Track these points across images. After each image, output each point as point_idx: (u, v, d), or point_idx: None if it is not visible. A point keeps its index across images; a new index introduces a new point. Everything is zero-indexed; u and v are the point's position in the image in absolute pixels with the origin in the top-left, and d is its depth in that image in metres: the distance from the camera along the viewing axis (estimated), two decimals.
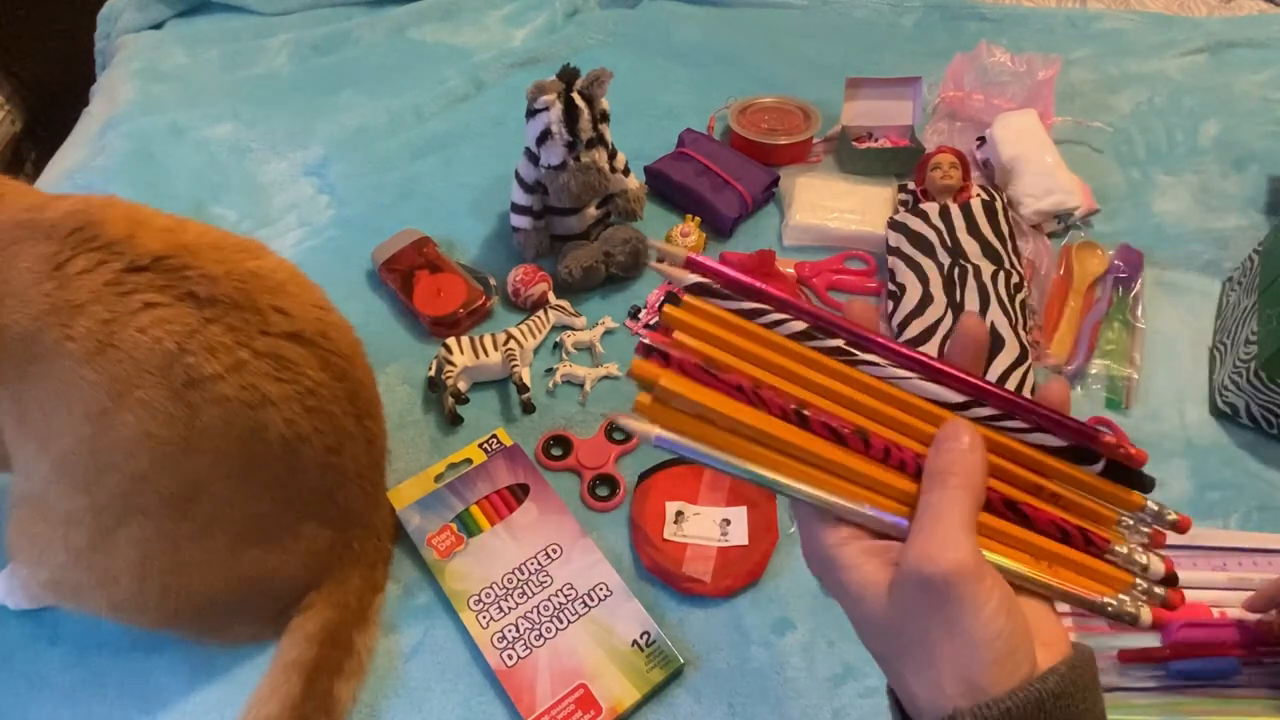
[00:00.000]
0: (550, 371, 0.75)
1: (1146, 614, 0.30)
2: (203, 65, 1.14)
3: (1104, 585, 0.31)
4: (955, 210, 0.81)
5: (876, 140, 0.97)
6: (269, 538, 0.55)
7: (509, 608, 0.59)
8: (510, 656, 0.57)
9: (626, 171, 0.83)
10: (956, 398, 0.31)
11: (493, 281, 0.81)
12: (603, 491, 0.67)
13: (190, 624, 0.57)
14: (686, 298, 0.31)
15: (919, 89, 0.95)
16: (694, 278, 0.32)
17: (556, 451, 0.70)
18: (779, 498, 0.66)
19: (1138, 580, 0.31)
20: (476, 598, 0.60)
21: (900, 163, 0.93)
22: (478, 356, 0.74)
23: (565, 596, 0.60)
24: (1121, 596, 0.30)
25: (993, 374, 0.70)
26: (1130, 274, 0.82)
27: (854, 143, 0.95)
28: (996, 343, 0.71)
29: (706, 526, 0.63)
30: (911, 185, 0.87)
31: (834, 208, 0.88)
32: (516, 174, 0.81)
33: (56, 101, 1.30)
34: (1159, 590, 0.31)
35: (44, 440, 0.51)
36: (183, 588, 0.53)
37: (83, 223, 0.49)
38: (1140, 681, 0.57)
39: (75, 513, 0.51)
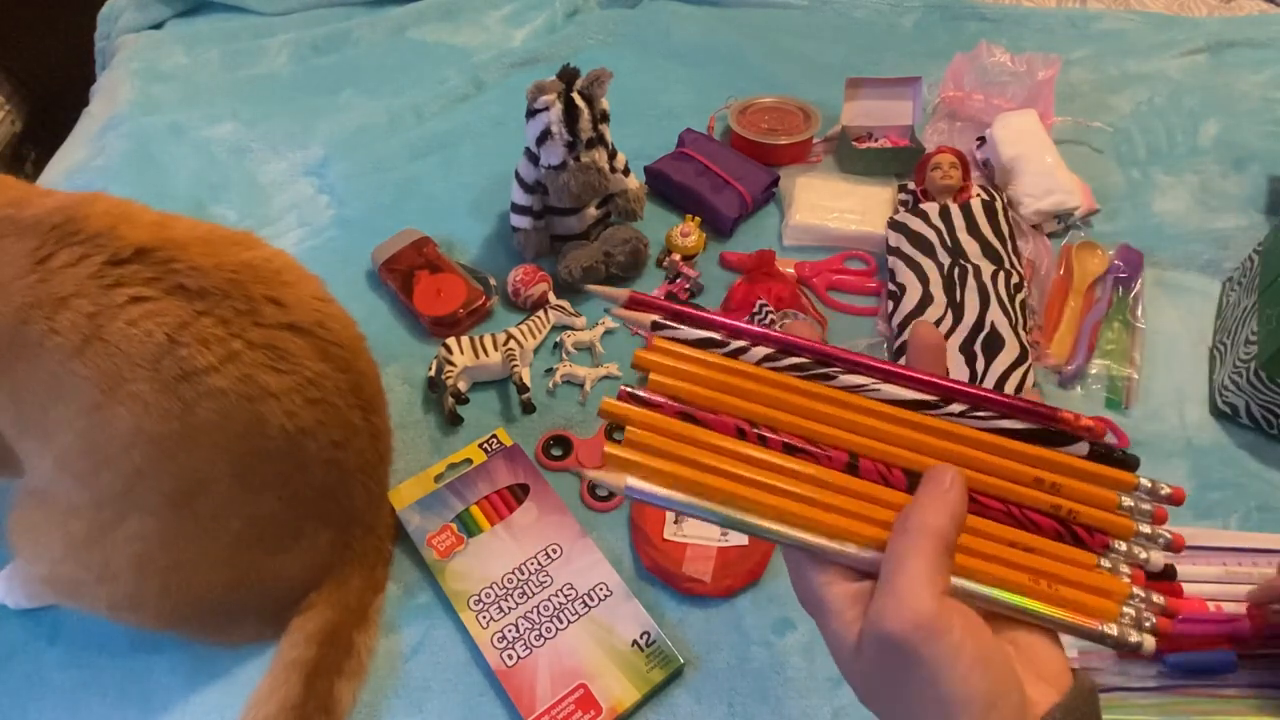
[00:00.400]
0: (550, 371, 0.75)
1: (1150, 642, 0.30)
2: (203, 65, 1.14)
3: (1106, 600, 0.30)
4: (955, 210, 0.81)
5: (876, 140, 0.97)
6: (271, 537, 0.55)
7: (509, 608, 0.59)
8: (510, 656, 0.57)
9: (626, 171, 0.83)
10: (928, 397, 0.31)
11: (493, 281, 0.81)
12: (603, 492, 0.67)
13: (190, 623, 0.56)
14: (656, 340, 0.32)
15: (919, 89, 0.95)
16: (652, 318, 0.32)
17: (556, 451, 0.70)
18: None
19: (1134, 592, 0.30)
20: (476, 598, 0.60)
21: (900, 163, 0.93)
22: (478, 356, 0.74)
23: (565, 596, 0.60)
24: (1124, 611, 0.30)
25: (993, 374, 0.70)
26: (1130, 274, 0.82)
27: (854, 143, 0.95)
28: (996, 343, 0.71)
29: (706, 527, 0.63)
30: (911, 185, 0.87)
31: (834, 208, 0.89)
32: (516, 174, 0.81)
33: (56, 101, 1.30)
34: (1157, 598, 0.30)
35: (44, 435, 0.51)
36: (182, 586, 0.53)
37: (65, 218, 0.49)
38: (1140, 681, 0.57)
39: (76, 507, 0.51)
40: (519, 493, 0.65)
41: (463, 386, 0.73)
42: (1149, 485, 0.31)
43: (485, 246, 0.88)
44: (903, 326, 0.76)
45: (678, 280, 0.83)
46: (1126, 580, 0.30)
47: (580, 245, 0.83)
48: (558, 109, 0.74)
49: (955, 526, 0.28)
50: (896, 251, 0.81)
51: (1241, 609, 0.59)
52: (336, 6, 1.24)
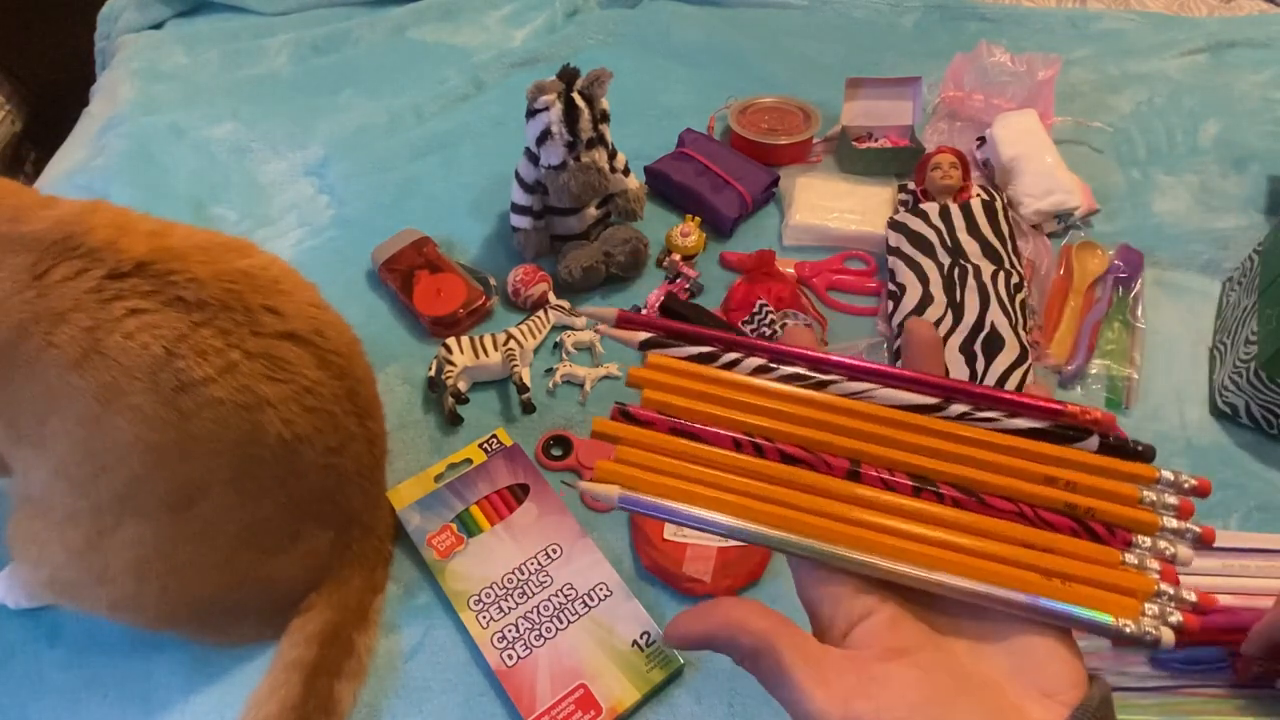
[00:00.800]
0: (550, 371, 0.75)
1: (1169, 635, 0.28)
2: (203, 65, 1.14)
3: (1126, 600, 0.28)
4: (955, 210, 0.81)
5: (876, 140, 0.97)
6: (269, 540, 0.55)
7: (509, 608, 0.59)
8: (510, 656, 0.57)
9: (626, 171, 0.83)
10: (930, 400, 0.30)
11: (493, 281, 0.81)
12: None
13: (190, 624, 0.57)
14: (650, 356, 0.32)
15: (919, 89, 0.95)
16: (644, 336, 0.32)
17: (556, 451, 0.70)
18: None
19: (1160, 587, 0.29)
20: (476, 598, 0.60)
21: (900, 163, 0.93)
22: (478, 356, 0.74)
23: (565, 596, 0.60)
24: (1148, 608, 0.28)
25: (993, 374, 0.70)
26: (1130, 274, 0.82)
27: (854, 143, 0.95)
28: (996, 343, 0.71)
29: None
30: (911, 185, 0.87)
31: (834, 208, 0.89)
32: (516, 174, 0.81)
33: (56, 101, 1.30)
34: (1187, 594, 0.29)
35: (40, 444, 0.51)
36: (182, 589, 0.53)
37: (65, 233, 0.49)
38: (1140, 681, 0.57)
39: (74, 514, 0.51)
40: (519, 493, 0.65)
41: (463, 386, 0.73)
42: (1171, 478, 0.30)
43: (485, 246, 0.88)
44: (903, 327, 0.76)
45: (678, 280, 0.83)
46: (1154, 577, 0.29)
47: (580, 245, 0.83)
48: (558, 109, 0.74)
49: (771, 618, 0.28)
50: (896, 251, 0.81)
51: (1238, 602, 0.59)
52: (336, 6, 1.24)
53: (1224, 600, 0.60)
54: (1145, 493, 0.30)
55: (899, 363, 0.33)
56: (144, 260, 0.49)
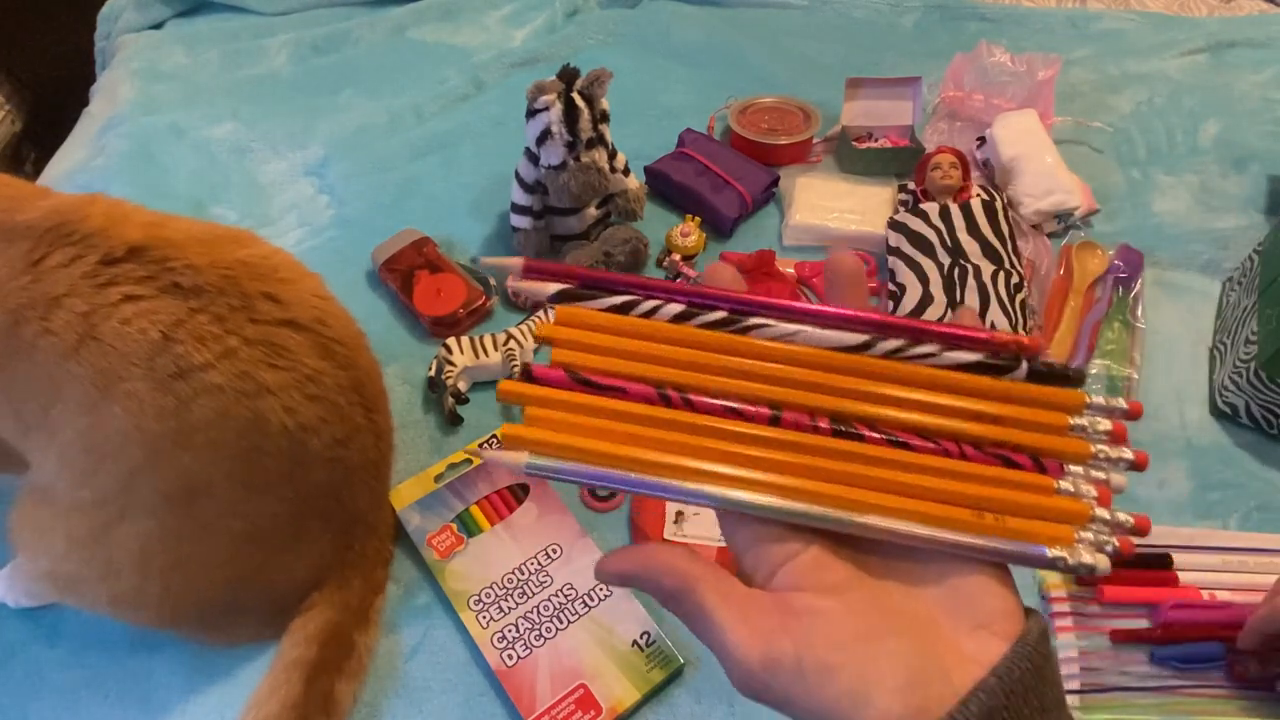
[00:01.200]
0: None
1: (1104, 562, 0.27)
2: (203, 65, 1.14)
3: (1061, 528, 0.27)
4: (955, 210, 0.81)
5: (876, 140, 0.97)
6: (273, 537, 0.54)
7: (509, 608, 0.59)
8: (510, 656, 0.57)
9: (626, 171, 0.83)
10: (857, 338, 0.29)
11: (493, 281, 0.81)
12: (603, 492, 0.67)
13: (191, 622, 0.56)
14: (559, 309, 0.30)
15: (919, 89, 0.95)
16: (556, 288, 0.30)
17: None
18: None
19: (1096, 512, 0.28)
20: (476, 598, 0.60)
21: (900, 163, 0.93)
22: (478, 356, 0.74)
23: (565, 596, 0.60)
24: (1082, 535, 0.27)
25: None
26: (1130, 274, 0.82)
27: (854, 143, 0.95)
28: None
29: (706, 527, 0.63)
30: (911, 185, 0.87)
31: (834, 208, 0.89)
32: (516, 174, 0.81)
33: (56, 101, 1.30)
34: (1123, 518, 0.28)
35: (48, 433, 0.51)
36: (184, 585, 0.53)
37: (60, 220, 0.49)
38: (1140, 681, 0.57)
39: (78, 504, 0.51)
40: (519, 493, 0.65)
41: (463, 386, 0.73)
42: (1102, 402, 0.29)
43: (485, 246, 0.88)
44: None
45: (678, 280, 0.83)
46: (1088, 502, 0.28)
47: (580, 245, 0.83)
48: (558, 109, 0.74)
49: (696, 562, 0.28)
50: (896, 251, 0.81)
51: (1236, 598, 0.60)
52: (336, 6, 1.24)
53: (1223, 598, 0.60)
54: (1075, 420, 0.29)
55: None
56: (138, 245, 0.49)
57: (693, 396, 0.29)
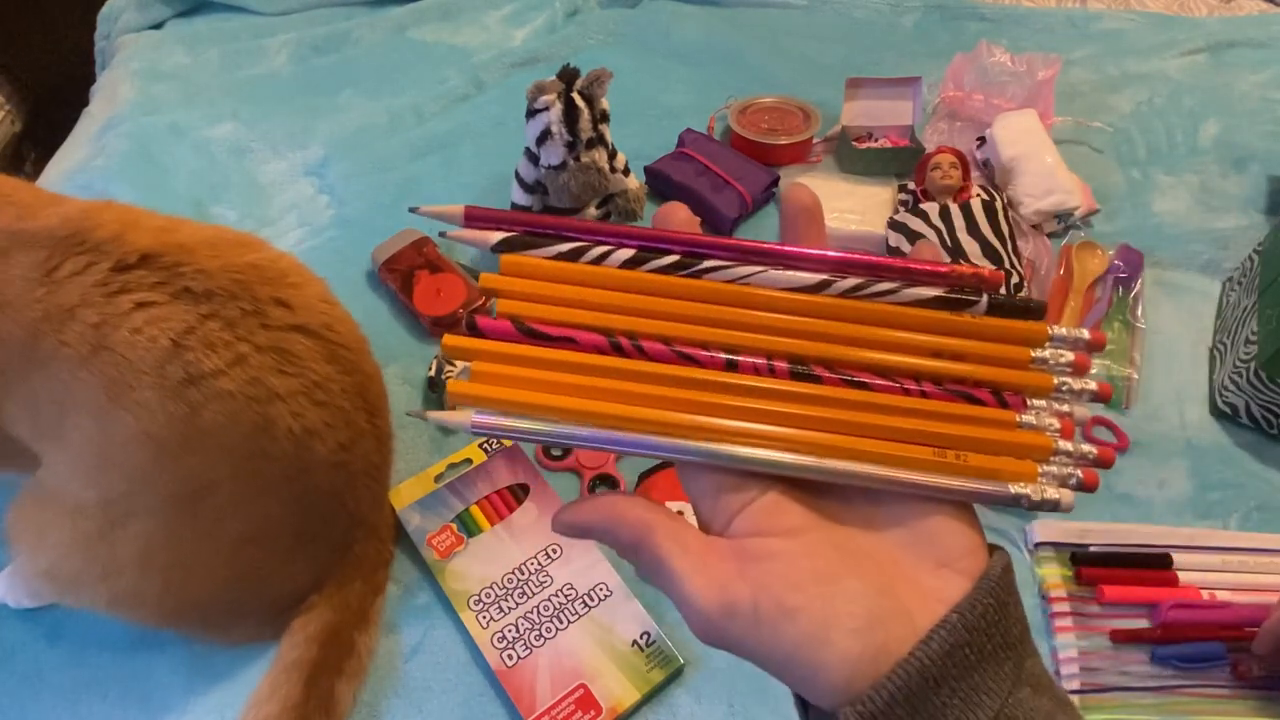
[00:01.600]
0: None
1: (1068, 497, 0.27)
2: (203, 65, 1.14)
3: (1023, 463, 0.27)
4: (955, 210, 0.81)
5: (876, 140, 0.97)
6: (274, 538, 0.55)
7: (509, 608, 0.59)
8: (510, 656, 0.57)
9: (626, 171, 0.83)
10: (814, 278, 0.28)
11: None
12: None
13: (190, 621, 0.57)
14: (503, 258, 0.28)
15: (919, 89, 0.95)
16: (499, 236, 0.28)
17: (556, 452, 0.70)
18: None
19: (1059, 444, 0.27)
20: (476, 598, 0.60)
21: (900, 163, 0.93)
22: None
23: (565, 596, 0.60)
24: (1046, 469, 0.27)
25: None
26: (1130, 274, 0.82)
27: (854, 143, 0.95)
28: None
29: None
30: (911, 185, 0.87)
31: (834, 208, 0.89)
32: (516, 174, 0.81)
33: (56, 101, 1.30)
34: (1088, 449, 0.27)
35: (59, 438, 0.51)
36: (183, 584, 0.53)
37: (73, 229, 0.49)
38: (1140, 681, 0.57)
39: (83, 506, 0.52)
40: (519, 493, 0.65)
41: None
42: (1064, 333, 0.28)
43: (481, 250, 0.88)
44: None
45: None
46: (1051, 435, 0.27)
47: None
48: (558, 109, 0.74)
49: (652, 511, 0.27)
50: (896, 252, 0.81)
51: (1236, 598, 0.60)
52: (336, 6, 1.24)
53: (1223, 598, 0.60)
54: (1038, 353, 0.28)
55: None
56: (150, 252, 0.49)
57: (645, 344, 0.27)
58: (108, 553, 0.52)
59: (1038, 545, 0.63)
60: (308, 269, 0.57)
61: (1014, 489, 0.26)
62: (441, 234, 0.29)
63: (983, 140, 0.94)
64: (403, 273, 0.81)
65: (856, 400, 0.27)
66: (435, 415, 0.27)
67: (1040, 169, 0.87)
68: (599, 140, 0.77)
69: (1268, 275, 0.74)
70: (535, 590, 0.60)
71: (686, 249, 0.29)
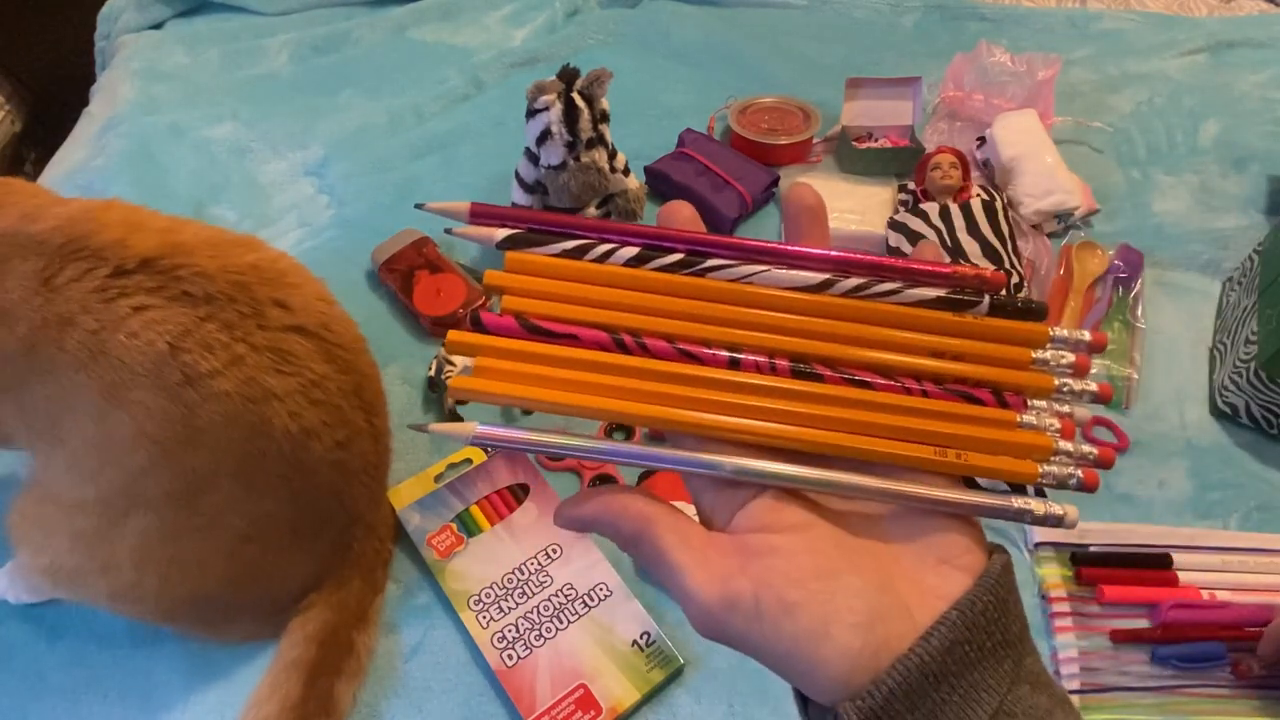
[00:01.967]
0: None
1: (1073, 513, 0.27)
2: (203, 65, 1.14)
3: (1024, 462, 0.27)
4: (955, 210, 0.81)
5: (876, 140, 0.97)
6: (272, 536, 0.55)
7: (509, 608, 0.59)
8: (510, 656, 0.57)
9: (626, 171, 0.83)
10: (817, 278, 0.28)
11: None
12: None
13: (188, 618, 0.57)
14: (508, 255, 0.28)
15: (919, 89, 0.95)
16: (504, 233, 0.28)
17: None
18: None
19: (1059, 444, 0.27)
20: (476, 598, 0.60)
21: (900, 163, 0.93)
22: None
23: (565, 596, 0.60)
24: (1046, 470, 0.27)
25: None
26: (1130, 274, 0.82)
27: (854, 143, 0.95)
28: None
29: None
30: (911, 185, 0.87)
31: (834, 208, 0.88)
32: (516, 174, 0.81)
33: (56, 101, 1.30)
34: (1087, 449, 0.27)
35: (54, 439, 0.51)
36: (182, 581, 0.53)
37: (74, 234, 0.49)
38: (1140, 681, 0.57)
39: (82, 502, 0.52)
40: (519, 493, 0.65)
41: None
42: (1065, 335, 0.28)
43: (485, 247, 0.88)
44: None
45: None
46: (1052, 435, 0.27)
47: None
48: (558, 109, 0.74)
49: (654, 505, 0.27)
50: (896, 252, 0.81)
51: (1236, 598, 0.60)
52: (336, 6, 1.24)
53: (1223, 598, 0.60)
54: (1039, 354, 0.28)
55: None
56: (150, 256, 0.49)
57: (648, 341, 0.27)
58: (107, 549, 0.52)
59: (1037, 545, 0.63)
60: (307, 269, 0.57)
61: (1018, 503, 0.26)
62: (447, 230, 0.29)
63: (983, 140, 0.94)
64: (403, 273, 0.81)
65: (858, 399, 0.27)
66: (438, 428, 0.27)
67: (1040, 169, 0.87)
68: (599, 140, 0.77)
69: (1268, 275, 0.74)
70: (535, 590, 0.60)
71: (690, 247, 0.29)
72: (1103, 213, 0.91)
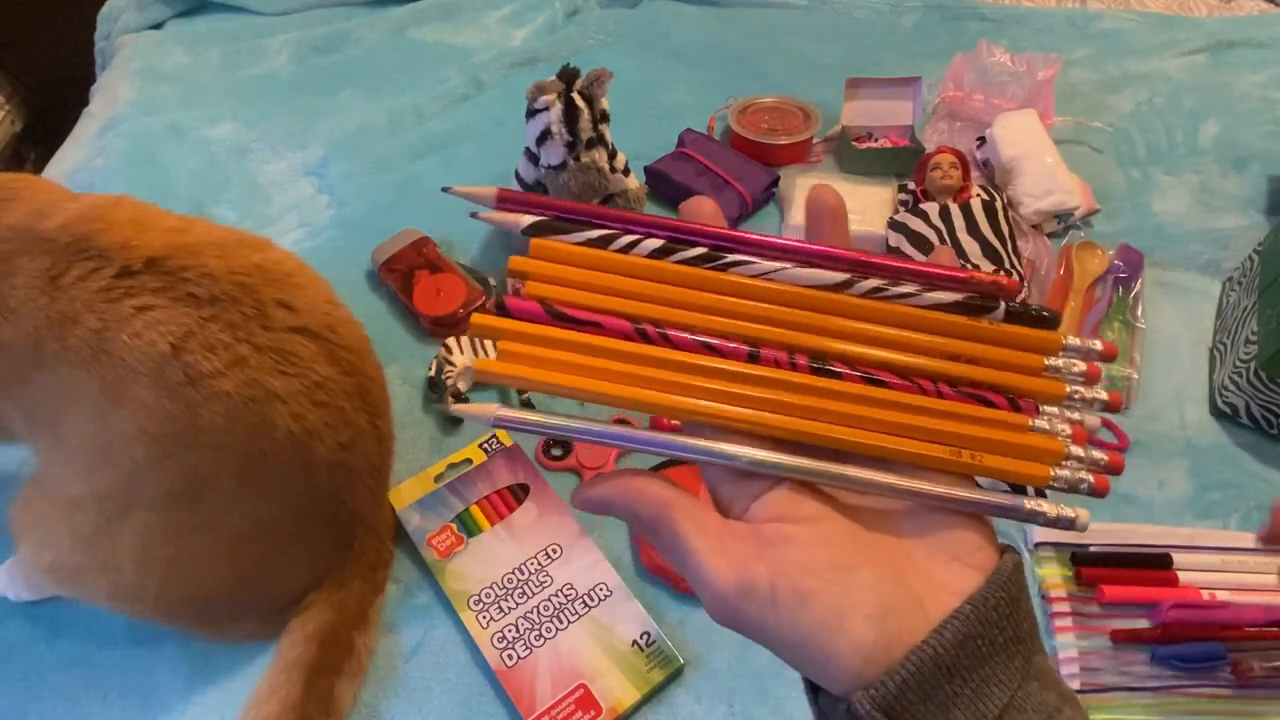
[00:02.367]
0: None
1: (1084, 516, 0.27)
2: (203, 65, 1.14)
3: (1035, 465, 0.27)
4: (955, 210, 0.81)
5: (876, 140, 0.97)
6: (273, 536, 0.55)
7: (509, 608, 0.59)
8: (510, 656, 0.57)
9: (626, 171, 0.83)
10: (838, 277, 0.29)
11: (493, 281, 0.81)
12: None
13: (189, 617, 0.57)
14: (533, 241, 0.29)
15: (919, 89, 0.95)
16: (529, 220, 0.29)
17: (556, 452, 0.70)
18: None
19: (1070, 449, 0.27)
20: (476, 598, 0.60)
21: (900, 163, 0.93)
22: (478, 356, 0.74)
23: (565, 596, 0.60)
24: (1058, 474, 0.27)
25: None
26: (1130, 274, 0.82)
27: (854, 143, 0.95)
28: None
29: None
30: (911, 185, 0.87)
31: None
32: (516, 174, 0.81)
33: (56, 101, 1.30)
34: (1098, 455, 0.28)
35: (55, 435, 0.51)
36: (183, 580, 0.53)
37: (82, 233, 0.49)
38: (1140, 681, 0.57)
39: (81, 500, 0.52)
40: (519, 493, 0.65)
41: (463, 386, 0.73)
42: (1077, 343, 0.29)
43: (485, 246, 0.88)
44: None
45: None
46: (1063, 440, 0.28)
47: None
48: (558, 109, 0.74)
49: (673, 491, 0.27)
50: (896, 252, 0.81)
51: (1236, 598, 0.60)
52: (336, 6, 1.24)
53: (1223, 598, 0.60)
54: (1051, 361, 0.29)
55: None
56: (156, 257, 0.49)
57: (670, 333, 0.28)
58: (107, 547, 0.52)
59: (1038, 545, 0.63)
60: (313, 270, 0.57)
61: (1029, 505, 0.27)
62: (473, 214, 0.29)
63: (983, 140, 0.94)
64: (403, 273, 0.81)
65: (875, 397, 0.27)
66: (461, 408, 0.28)
67: (1040, 169, 0.87)
68: (599, 140, 0.77)
69: (1268, 275, 0.74)
70: (535, 590, 0.60)
71: (713, 242, 0.29)
72: (1103, 213, 0.91)
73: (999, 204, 0.82)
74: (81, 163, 0.99)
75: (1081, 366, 0.28)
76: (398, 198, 0.94)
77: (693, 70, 1.11)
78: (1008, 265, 0.77)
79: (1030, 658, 0.24)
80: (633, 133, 0.97)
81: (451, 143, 1.01)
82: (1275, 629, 0.57)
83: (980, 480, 0.28)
